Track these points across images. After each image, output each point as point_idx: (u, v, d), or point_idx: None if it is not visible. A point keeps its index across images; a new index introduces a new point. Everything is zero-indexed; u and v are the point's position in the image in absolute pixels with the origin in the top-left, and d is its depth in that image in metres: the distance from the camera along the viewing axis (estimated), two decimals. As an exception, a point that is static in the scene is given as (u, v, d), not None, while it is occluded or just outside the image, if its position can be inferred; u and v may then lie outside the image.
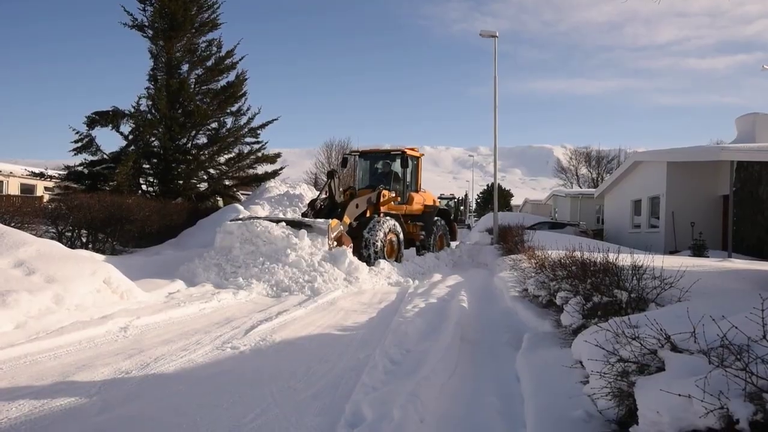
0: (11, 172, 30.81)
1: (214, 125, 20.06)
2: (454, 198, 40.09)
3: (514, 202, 70.32)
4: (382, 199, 13.63)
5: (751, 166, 16.19)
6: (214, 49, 20.10)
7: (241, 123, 20.23)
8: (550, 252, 8.80)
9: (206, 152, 19.79)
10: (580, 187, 51.08)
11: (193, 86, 19.61)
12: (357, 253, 12.18)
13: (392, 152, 15.39)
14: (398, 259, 13.15)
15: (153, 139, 18.85)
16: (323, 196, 14.07)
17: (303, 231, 11.07)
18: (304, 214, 13.10)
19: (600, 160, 55.86)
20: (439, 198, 38.90)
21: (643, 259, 5.69)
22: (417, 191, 15.85)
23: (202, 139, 20.05)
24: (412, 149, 15.55)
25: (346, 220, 12.23)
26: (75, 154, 18.09)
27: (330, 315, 7.84)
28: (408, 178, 15.33)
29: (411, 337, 6.10)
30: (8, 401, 4.00)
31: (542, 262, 7.74)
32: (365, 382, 4.44)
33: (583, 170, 57.95)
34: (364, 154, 16.03)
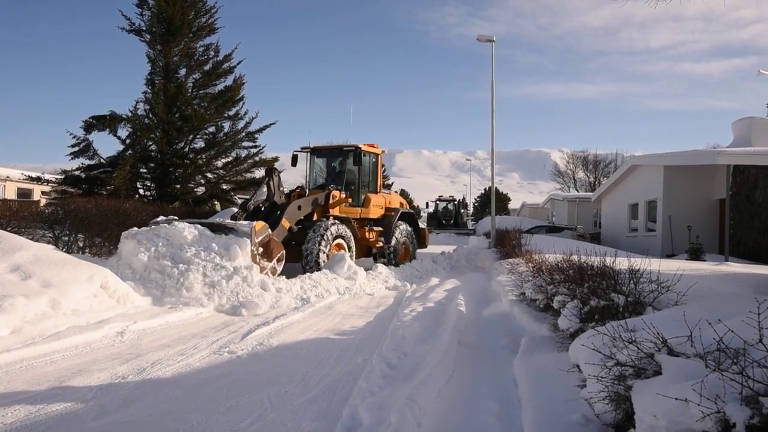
0: (8, 177, 30.75)
1: (212, 129, 20.05)
2: (454, 200, 38.69)
3: (511, 206, 70.40)
4: (331, 201, 12.31)
5: (747, 169, 16.24)
6: (212, 53, 20.11)
7: (239, 127, 20.23)
8: (548, 256, 8.80)
9: (204, 156, 19.77)
10: (578, 191, 51.16)
11: (190, 90, 19.61)
12: (293, 257, 11.20)
13: (345, 148, 13.73)
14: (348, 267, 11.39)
15: (150, 143, 18.83)
16: (261, 197, 12.48)
17: (225, 237, 9.41)
18: (233, 217, 11.27)
19: (597, 164, 55.98)
20: (438, 200, 38.16)
21: (640, 262, 5.69)
22: (376, 192, 14.34)
23: (200, 144, 20.03)
24: (371, 145, 14.14)
25: (285, 223, 10.90)
26: (72, 159, 18.07)
27: (327, 319, 7.83)
28: (364, 178, 13.91)
29: (408, 341, 6.09)
30: (4, 406, 3.98)
31: (540, 265, 7.74)
32: (362, 386, 4.44)
33: (581, 174, 58.07)
34: (315, 151, 14.40)
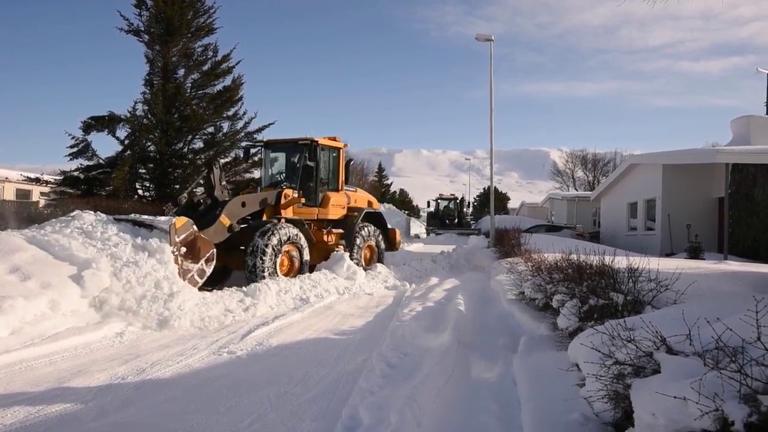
0: (7, 178, 30.74)
1: (211, 130, 20.05)
2: (455, 198, 37.02)
3: (510, 205, 70.47)
4: (282, 201, 11.06)
5: (746, 168, 16.25)
6: (210, 53, 20.10)
7: (238, 127, 20.23)
8: (547, 255, 8.81)
9: (202, 157, 19.76)
10: (577, 190, 51.19)
11: (189, 91, 19.60)
12: (238, 264, 10.10)
13: (300, 142, 12.29)
14: (299, 276, 10.42)
15: (149, 143, 18.83)
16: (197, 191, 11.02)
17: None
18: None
19: (596, 163, 56.03)
20: (439, 198, 37.18)
21: (639, 261, 5.70)
22: (338, 190, 12.84)
23: (199, 144, 20.02)
24: (332, 138, 12.80)
25: (224, 221, 9.68)
26: (71, 159, 18.06)
27: (327, 319, 7.83)
28: (323, 174, 12.40)
29: (408, 340, 6.10)
30: (3, 408, 3.98)
31: (539, 265, 7.74)
32: (362, 386, 4.44)
33: (580, 173, 58.13)
34: (269, 145, 13.11)
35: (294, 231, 10.63)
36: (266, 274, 9.71)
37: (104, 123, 17.87)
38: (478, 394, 4.49)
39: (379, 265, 12.97)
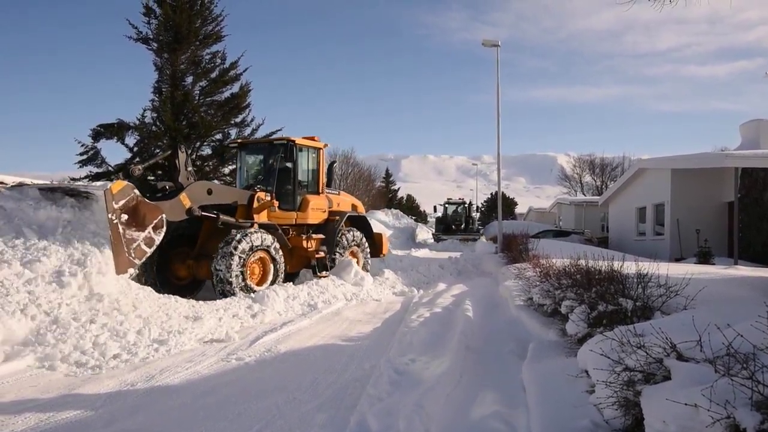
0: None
1: (219, 136, 20.16)
2: (464, 203, 35.59)
3: (518, 210, 70.26)
4: (255, 205, 10.27)
5: (755, 172, 16.15)
6: (218, 61, 20.23)
7: (246, 134, 20.33)
8: (555, 260, 8.78)
9: (210, 163, 19.87)
10: (585, 195, 50.98)
11: (197, 98, 19.73)
12: (207, 274, 9.41)
13: (276, 142, 11.70)
14: (272, 285, 9.73)
15: (158, 150, 18.95)
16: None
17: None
18: None
19: (604, 168, 55.79)
20: (447, 203, 36.47)
21: (648, 266, 5.67)
22: (318, 193, 12.06)
23: (207, 151, 20.13)
24: (311, 138, 12.11)
25: (184, 199, 8.82)
26: (80, 167, 18.18)
27: (335, 325, 7.84)
28: (301, 176, 11.69)
29: (416, 347, 6.08)
30: (14, 414, 4.01)
31: (547, 270, 7.72)
32: (370, 393, 4.43)
33: (587, 178, 57.88)
34: (244, 146, 12.42)
35: (266, 236, 9.85)
36: (234, 283, 8.99)
37: (113, 130, 18.00)
38: (486, 401, 4.47)
39: (386, 270, 12.95)
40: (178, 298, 8.00)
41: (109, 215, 7.26)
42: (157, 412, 4.16)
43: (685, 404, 2.31)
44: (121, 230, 7.37)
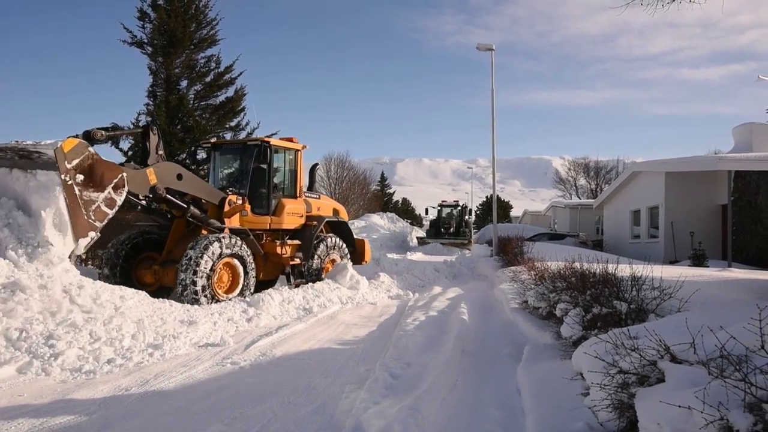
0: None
1: (214, 140, 20.16)
2: (458, 206, 34.53)
3: (513, 213, 70.44)
4: (225, 209, 9.82)
5: (749, 175, 16.26)
6: (213, 64, 20.26)
7: (241, 138, 20.32)
8: (550, 263, 8.80)
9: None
10: (579, 198, 51.14)
11: (192, 102, 19.74)
12: (173, 281, 8.88)
13: (249, 143, 11.25)
14: (242, 293, 9.36)
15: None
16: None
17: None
18: None
19: (598, 171, 55.99)
20: (441, 206, 35.91)
21: (643, 269, 5.69)
22: (296, 196, 11.49)
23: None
24: (288, 139, 11.73)
25: (150, 174, 8.43)
26: (74, 171, 18.14)
27: (330, 329, 7.83)
28: (276, 179, 11.26)
29: (411, 350, 6.09)
30: (8, 420, 3.98)
31: (542, 273, 7.74)
32: (366, 396, 4.43)
33: (582, 181, 58.07)
34: (217, 147, 11.91)
35: (235, 242, 9.35)
36: (200, 291, 8.52)
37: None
38: (481, 404, 4.47)
39: (382, 274, 12.95)
40: (173, 302, 7.97)
41: (62, 176, 6.74)
42: (152, 417, 4.14)
43: (679, 406, 2.32)
44: (77, 191, 6.88)
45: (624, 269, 5.86)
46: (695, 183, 18.07)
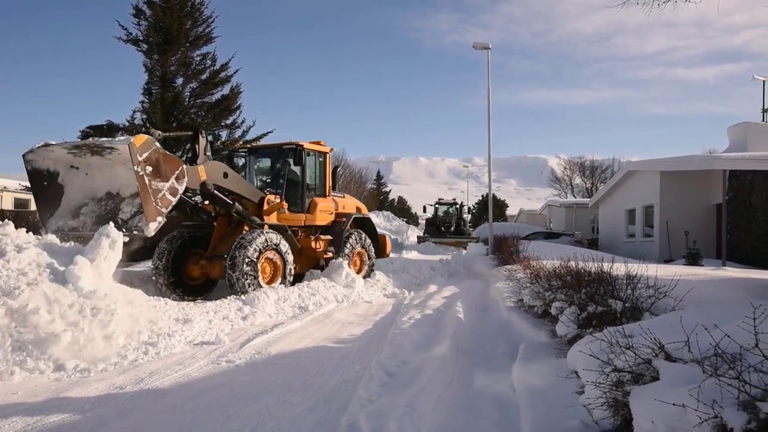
0: (5, 187, 30.69)
1: (209, 138, 20.11)
2: (455, 204, 33.76)
3: (509, 212, 70.50)
4: (265, 207, 10.71)
5: (743, 174, 16.31)
6: (209, 62, 20.20)
7: (236, 136, 20.28)
8: (545, 262, 8.82)
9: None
10: (575, 197, 51.23)
11: (187, 100, 19.67)
12: (220, 273, 9.77)
13: (285, 147, 11.93)
14: (283, 283, 10.12)
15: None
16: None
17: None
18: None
19: (594, 170, 56.13)
20: (438, 204, 35.82)
21: (638, 268, 5.71)
22: (325, 195, 12.46)
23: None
24: (318, 143, 12.44)
25: (200, 171, 9.31)
26: (70, 169, 18.08)
27: (326, 327, 7.82)
28: (309, 179, 12.07)
29: (407, 348, 6.08)
30: (1, 418, 3.97)
31: (537, 272, 7.75)
32: (361, 394, 4.43)
33: (578, 180, 58.19)
34: (253, 151, 12.88)
35: (274, 237, 10.13)
36: (248, 285, 9.32)
37: (103, 132, 17.88)
38: (477, 402, 4.48)
39: (377, 272, 12.96)
40: (167, 300, 7.98)
41: (135, 168, 7.65)
42: (146, 415, 4.13)
43: (673, 404, 2.32)
44: (147, 181, 7.77)
45: (619, 268, 5.87)
46: (690, 182, 18.13)
